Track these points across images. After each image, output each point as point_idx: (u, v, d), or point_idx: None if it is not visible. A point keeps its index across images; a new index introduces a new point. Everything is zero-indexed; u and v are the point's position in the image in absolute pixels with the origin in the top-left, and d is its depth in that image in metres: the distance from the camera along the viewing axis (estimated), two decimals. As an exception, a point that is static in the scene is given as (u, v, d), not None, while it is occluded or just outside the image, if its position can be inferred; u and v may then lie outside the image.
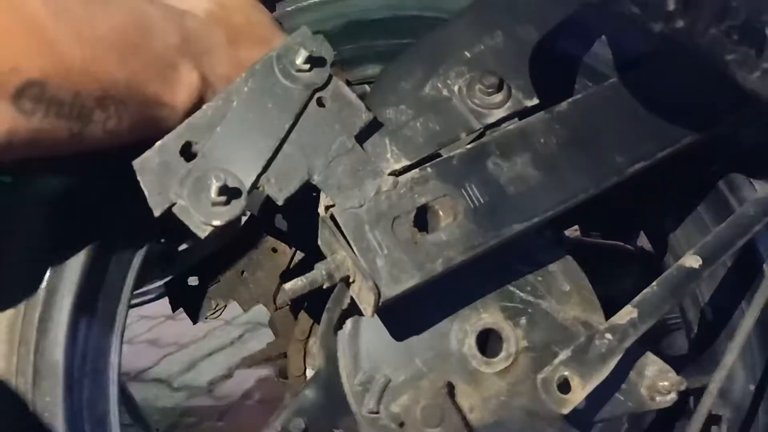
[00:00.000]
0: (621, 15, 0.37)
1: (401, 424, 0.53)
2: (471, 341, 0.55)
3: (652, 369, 0.54)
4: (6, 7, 0.41)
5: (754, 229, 0.59)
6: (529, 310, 0.56)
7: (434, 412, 0.52)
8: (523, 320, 0.55)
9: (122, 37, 0.45)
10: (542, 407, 0.53)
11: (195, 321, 0.86)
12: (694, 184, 0.64)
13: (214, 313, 0.87)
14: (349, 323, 0.56)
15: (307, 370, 0.77)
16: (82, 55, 0.43)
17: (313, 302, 0.79)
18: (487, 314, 0.55)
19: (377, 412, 0.53)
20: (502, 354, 0.55)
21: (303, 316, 0.79)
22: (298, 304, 0.83)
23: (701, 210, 0.64)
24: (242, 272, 0.88)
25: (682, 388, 0.53)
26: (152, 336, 2.24)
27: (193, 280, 0.88)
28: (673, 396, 0.54)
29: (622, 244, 0.88)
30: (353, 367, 0.54)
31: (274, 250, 0.85)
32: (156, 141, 0.47)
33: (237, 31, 0.53)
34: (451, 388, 0.53)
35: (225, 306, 0.88)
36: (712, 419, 0.61)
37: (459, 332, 0.55)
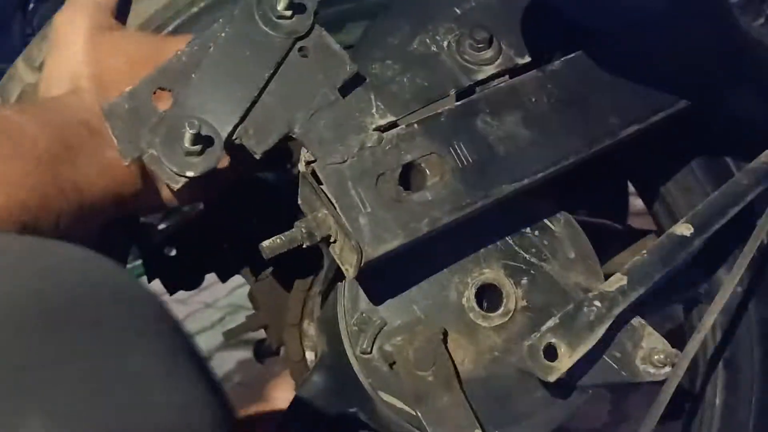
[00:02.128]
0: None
1: (392, 364, 0.51)
2: (471, 294, 0.53)
3: (649, 341, 0.53)
4: None
5: (747, 198, 0.57)
6: (532, 272, 0.54)
7: (426, 356, 0.51)
8: (524, 280, 0.54)
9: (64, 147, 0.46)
10: None
11: (170, 293, 0.83)
12: (695, 149, 0.62)
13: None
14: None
15: (306, 353, 0.75)
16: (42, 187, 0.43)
17: (300, 286, 0.77)
18: (489, 270, 0.54)
19: (370, 353, 0.52)
20: (501, 310, 0.54)
21: (293, 300, 0.77)
22: (279, 275, 0.81)
23: (699, 174, 0.63)
24: (223, 244, 0.85)
25: (677, 360, 0.52)
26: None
27: (169, 251, 0.85)
28: (667, 369, 0.52)
29: (610, 222, 0.87)
30: (351, 307, 0.53)
31: (255, 220, 0.83)
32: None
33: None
34: (445, 335, 0.52)
35: (203, 278, 0.85)
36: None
37: (460, 284, 0.53)
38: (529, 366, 0.51)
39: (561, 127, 0.52)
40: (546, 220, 0.56)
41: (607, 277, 0.57)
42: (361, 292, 0.53)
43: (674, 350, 0.54)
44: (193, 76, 0.46)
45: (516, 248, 0.54)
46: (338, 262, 0.49)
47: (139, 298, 0.27)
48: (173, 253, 0.84)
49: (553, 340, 0.51)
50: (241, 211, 0.81)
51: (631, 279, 0.54)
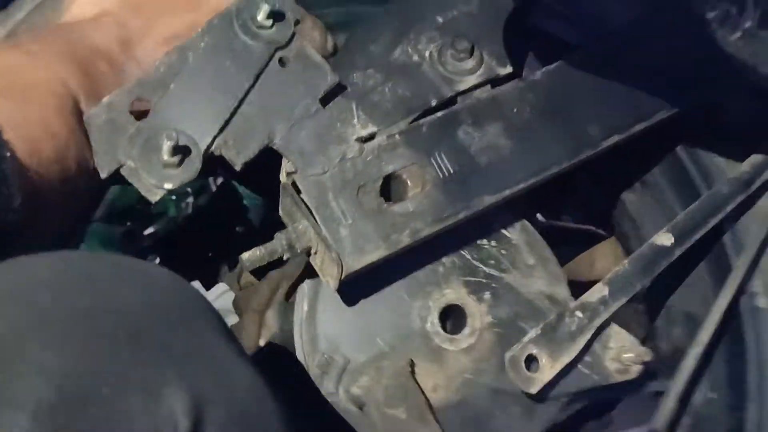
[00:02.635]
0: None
1: (361, 406, 0.50)
2: (434, 318, 0.52)
3: (617, 341, 0.53)
4: None
5: (727, 208, 0.58)
6: (493, 285, 0.53)
7: (396, 393, 0.50)
8: (487, 295, 0.53)
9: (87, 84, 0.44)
10: (507, 385, 0.51)
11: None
12: (657, 157, 0.63)
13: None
14: (305, 304, 0.53)
15: (261, 342, 0.74)
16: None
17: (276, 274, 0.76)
18: (450, 290, 0.53)
19: (336, 393, 0.51)
20: (466, 330, 0.53)
21: (263, 285, 0.76)
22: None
23: (663, 184, 0.63)
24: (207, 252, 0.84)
25: (648, 359, 0.52)
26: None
27: (153, 259, 0.84)
28: (638, 368, 0.52)
29: (594, 228, 0.88)
30: (311, 350, 0.52)
31: (239, 228, 0.82)
32: None
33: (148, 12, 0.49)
34: (412, 367, 0.51)
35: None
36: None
37: (421, 309, 0.52)
38: (511, 377, 0.51)
39: (542, 137, 0.52)
40: (502, 229, 0.55)
41: (572, 280, 0.57)
42: (319, 332, 0.52)
43: (644, 348, 0.54)
44: (171, 86, 0.45)
45: (474, 262, 0.54)
46: (319, 273, 0.49)
47: (204, 302, 0.36)
48: (156, 261, 0.83)
49: (534, 351, 0.51)
50: (224, 219, 0.81)
51: (612, 289, 0.54)
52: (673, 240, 0.56)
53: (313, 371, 0.52)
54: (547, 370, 0.51)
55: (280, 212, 0.50)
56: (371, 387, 0.50)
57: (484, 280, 0.53)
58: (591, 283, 0.56)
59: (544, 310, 0.54)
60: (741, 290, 0.56)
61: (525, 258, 0.55)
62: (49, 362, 0.25)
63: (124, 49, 0.48)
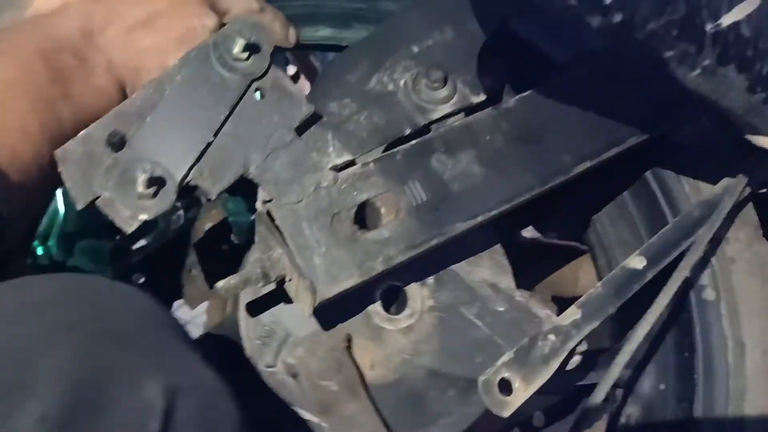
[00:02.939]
0: (559, 9, 0.36)
1: (295, 376, 0.51)
2: (375, 297, 0.53)
3: None
4: None
5: (699, 231, 0.59)
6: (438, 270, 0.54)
7: (329, 365, 0.50)
8: (430, 280, 0.54)
9: (48, 71, 0.45)
10: (445, 367, 0.52)
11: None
12: (626, 180, 0.64)
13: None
14: None
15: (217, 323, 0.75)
16: (48, 132, 0.44)
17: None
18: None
19: (274, 366, 0.52)
20: (407, 311, 0.54)
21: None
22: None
23: (630, 205, 0.64)
24: (190, 270, 0.85)
25: (583, 348, 0.53)
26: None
27: (138, 278, 0.85)
28: (577, 359, 0.53)
29: (577, 244, 0.89)
30: (254, 323, 0.53)
31: (223, 247, 0.83)
32: None
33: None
34: (349, 342, 0.52)
35: (171, 305, 0.85)
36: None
37: (363, 288, 0.52)
38: (484, 401, 0.52)
39: (515, 164, 0.53)
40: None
41: (555, 296, 0.58)
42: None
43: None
44: (147, 118, 0.46)
45: None
46: (294, 300, 0.50)
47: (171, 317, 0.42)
48: (142, 280, 0.84)
49: (507, 375, 0.52)
50: (209, 239, 0.82)
51: (585, 312, 0.55)
52: (645, 263, 0.57)
53: (253, 344, 0.53)
54: (520, 393, 0.52)
55: (256, 239, 0.51)
56: (306, 358, 0.51)
57: (429, 264, 0.54)
58: (574, 299, 0.57)
59: (486, 297, 0.55)
60: (690, 283, 0.57)
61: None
62: (59, 363, 0.32)
63: (87, 40, 0.48)
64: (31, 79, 0.44)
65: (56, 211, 1.44)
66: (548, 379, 0.52)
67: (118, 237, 0.96)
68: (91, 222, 1.45)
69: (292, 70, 1.81)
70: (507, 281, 0.56)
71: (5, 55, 0.44)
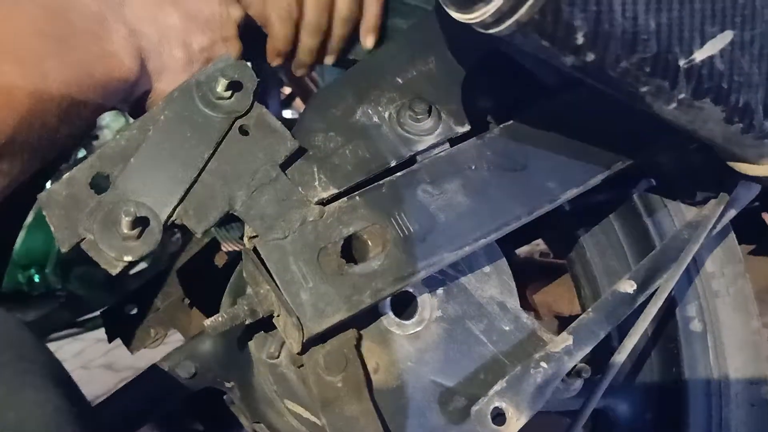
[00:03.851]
0: (533, 49, 0.37)
1: (301, 366, 0.50)
2: (386, 300, 0.53)
3: None
4: None
5: (686, 254, 0.59)
6: (448, 282, 0.54)
7: (337, 360, 0.49)
8: (440, 290, 0.54)
9: (52, 29, 0.43)
10: (447, 380, 0.52)
11: (132, 352, 0.82)
12: (612, 203, 0.65)
13: (153, 342, 0.83)
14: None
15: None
16: (29, 83, 0.41)
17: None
18: None
19: (277, 357, 0.52)
20: (415, 318, 0.54)
21: None
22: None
23: (616, 227, 0.65)
24: (183, 299, 0.85)
25: (587, 376, 0.53)
26: (108, 360, 2.16)
27: (130, 308, 0.84)
28: (579, 382, 0.53)
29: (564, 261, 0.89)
30: None
31: (217, 276, 0.82)
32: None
33: None
34: (359, 340, 0.51)
35: (165, 335, 0.84)
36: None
37: None
38: (477, 431, 0.51)
39: (501, 193, 0.53)
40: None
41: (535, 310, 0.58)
42: None
43: (583, 365, 0.54)
44: (131, 159, 0.46)
45: None
46: (282, 335, 0.50)
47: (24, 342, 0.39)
48: (134, 311, 0.84)
49: (501, 404, 0.52)
50: (201, 270, 0.81)
51: (576, 338, 0.55)
52: (635, 287, 0.57)
53: (257, 333, 0.53)
54: (513, 423, 0.52)
55: (244, 275, 0.51)
56: (315, 350, 0.50)
57: (439, 276, 0.54)
58: (571, 318, 0.57)
59: (494, 315, 0.55)
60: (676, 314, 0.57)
61: (482, 264, 0.56)
62: None
63: (110, 9, 0.47)
64: (17, 27, 0.42)
65: (52, 239, 1.44)
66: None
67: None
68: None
69: (287, 90, 1.82)
70: (514, 302, 0.56)
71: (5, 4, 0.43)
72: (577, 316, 0.61)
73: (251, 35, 0.58)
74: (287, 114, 1.83)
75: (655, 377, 0.60)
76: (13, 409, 0.34)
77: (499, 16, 0.34)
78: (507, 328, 0.55)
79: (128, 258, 0.44)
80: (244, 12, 0.52)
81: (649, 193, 0.65)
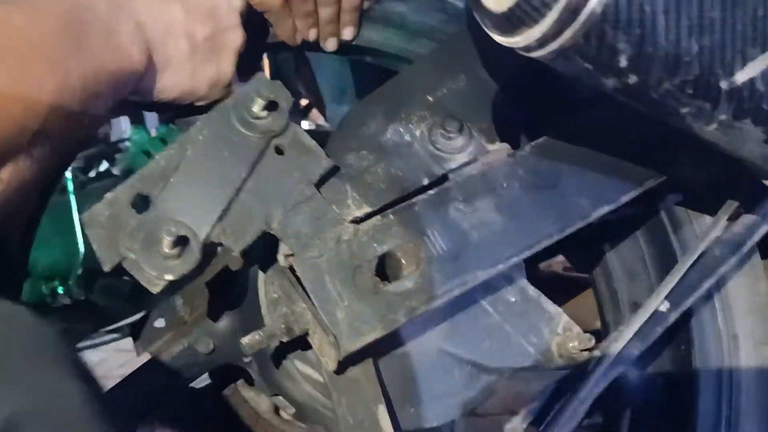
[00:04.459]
0: (574, 71, 0.37)
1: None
2: None
3: (565, 328, 0.54)
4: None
5: (720, 270, 0.58)
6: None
7: None
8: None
9: (70, 30, 0.45)
10: (454, 348, 0.53)
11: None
12: (638, 218, 0.64)
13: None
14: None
15: None
16: (53, 77, 0.43)
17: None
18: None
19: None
20: None
21: None
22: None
23: (642, 243, 0.65)
24: (209, 311, 0.85)
25: (591, 344, 0.53)
26: (127, 370, 2.18)
27: (159, 323, 0.85)
28: (584, 355, 0.53)
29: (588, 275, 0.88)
30: (272, 273, 0.53)
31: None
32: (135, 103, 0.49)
33: None
34: None
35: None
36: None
37: None
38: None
39: (533, 211, 0.53)
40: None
41: None
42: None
43: (587, 335, 0.55)
44: (171, 180, 0.47)
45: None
46: (317, 353, 0.50)
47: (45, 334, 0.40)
48: (162, 324, 0.84)
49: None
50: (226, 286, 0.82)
51: (609, 359, 0.54)
52: (668, 305, 0.57)
53: (270, 296, 0.53)
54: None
55: (279, 293, 0.51)
56: None
57: None
58: (594, 333, 0.57)
59: (500, 287, 0.55)
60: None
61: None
62: None
63: (116, 4, 0.48)
64: (43, 30, 0.44)
65: (77, 250, 1.46)
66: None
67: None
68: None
69: (304, 102, 1.84)
70: (520, 276, 0.56)
71: (22, 6, 0.44)
72: (598, 330, 0.61)
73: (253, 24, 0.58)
74: (304, 125, 1.85)
75: (664, 342, 0.60)
76: (37, 397, 0.36)
77: (543, 41, 0.34)
78: (513, 300, 0.56)
79: (169, 277, 0.45)
80: (246, 1, 0.54)
81: (676, 208, 0.65)
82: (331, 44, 0.61)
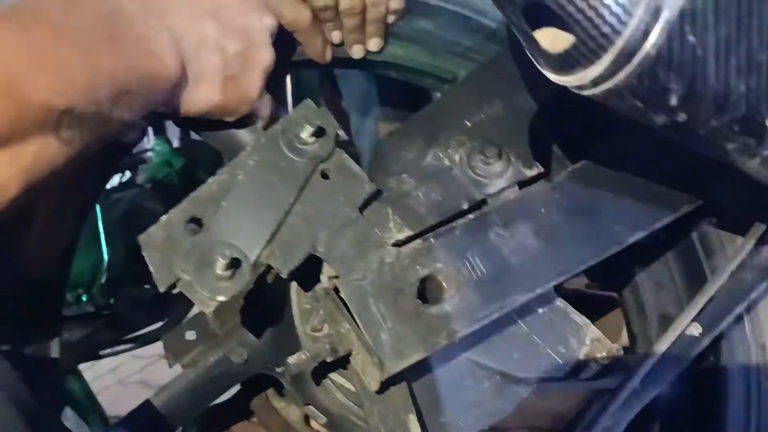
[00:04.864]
0: (624, 109, 0.38)
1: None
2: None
3: (592, 338, 0.55)
4: (23, 45, 0.42)
5: (752, 295, 0.59)
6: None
7: None
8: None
9: (104, 29, 0.46)
10: (484, 359, 0.54)
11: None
12: (671, 241, 0.65)
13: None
14: None
15: None
16: (85, 64, 0.44)
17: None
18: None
19: (320, 330, 0.54)
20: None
21: None
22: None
23: (673, 267, 0.66)
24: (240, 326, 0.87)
25: (618, 354, 0.54)
26: (144, 377, 2.19)
27: (190, 335, 0.86)
28: (612, 366, 0.55)
29: (616, 295, 0.89)
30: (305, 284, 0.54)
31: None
32: (164, 116, 0.50)
33: None
34: None
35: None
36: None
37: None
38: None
39: (570, 236, 0.54)
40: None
41: None
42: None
43: (615, 345, 0.56)
44: (222, 203, 0.48)
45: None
46: (360, 374, 0.51)
47: None
48: (193, 337, 0.86)
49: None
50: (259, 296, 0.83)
51: (644, 382, 0.55)
52: (701, 330, 0.58)
53: (303, 307, 0.55)
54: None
55: (322, 314, 0.53)
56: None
57: None
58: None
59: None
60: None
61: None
62: None
63: (155, 16, 0.49)
64: (77, 23, 0.45)
65: (101, 258, 1.48)
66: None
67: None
68: (135, 269, 1.48)
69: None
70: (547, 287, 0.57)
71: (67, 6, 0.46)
72: (625, 349, 0.61)
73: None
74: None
75: None
76: None
77: (597, 81, 0.35)
78: (540, 310, 0.57)
79: (221, 298, 0.46)
80: (277, 21, 0.55)
81: (708, 231, 0.66)
82: (357, 51, 0.62)
